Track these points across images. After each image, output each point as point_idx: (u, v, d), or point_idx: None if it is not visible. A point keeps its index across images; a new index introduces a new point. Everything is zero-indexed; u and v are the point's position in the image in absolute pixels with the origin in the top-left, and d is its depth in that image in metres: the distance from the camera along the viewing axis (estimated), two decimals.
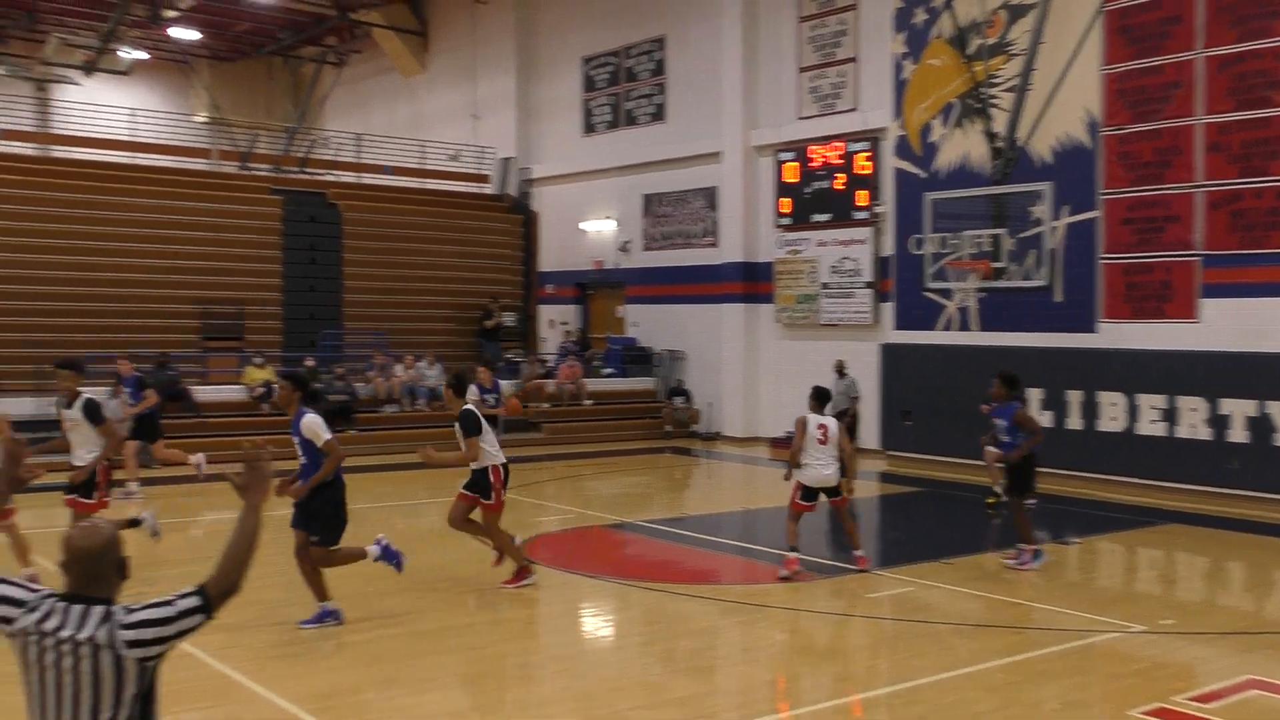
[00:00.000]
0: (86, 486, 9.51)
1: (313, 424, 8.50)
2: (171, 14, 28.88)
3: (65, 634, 3.15)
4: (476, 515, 9.90)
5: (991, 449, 13.14)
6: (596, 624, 9.69)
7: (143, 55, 31.75)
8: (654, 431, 23.56)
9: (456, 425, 9.69)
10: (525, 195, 28.30)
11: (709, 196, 24.15)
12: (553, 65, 28.18)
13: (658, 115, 25.48)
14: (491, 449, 9.79)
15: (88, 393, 9.76)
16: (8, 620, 3.24)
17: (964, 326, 19.29)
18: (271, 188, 25.27)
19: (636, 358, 25.27)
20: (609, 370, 25.11)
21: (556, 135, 28.14)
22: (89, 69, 27.50)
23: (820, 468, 10.64)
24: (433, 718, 6.74)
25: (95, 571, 3.27)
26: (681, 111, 24.86)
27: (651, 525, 13.75)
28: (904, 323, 20.34)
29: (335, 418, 19.86)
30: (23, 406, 18.11)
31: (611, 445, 22.01)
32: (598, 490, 18.01)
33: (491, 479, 9.74)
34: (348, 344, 23.83)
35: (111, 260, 22.00)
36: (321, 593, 8.66)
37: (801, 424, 10.73)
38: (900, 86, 20.33)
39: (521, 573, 10.03)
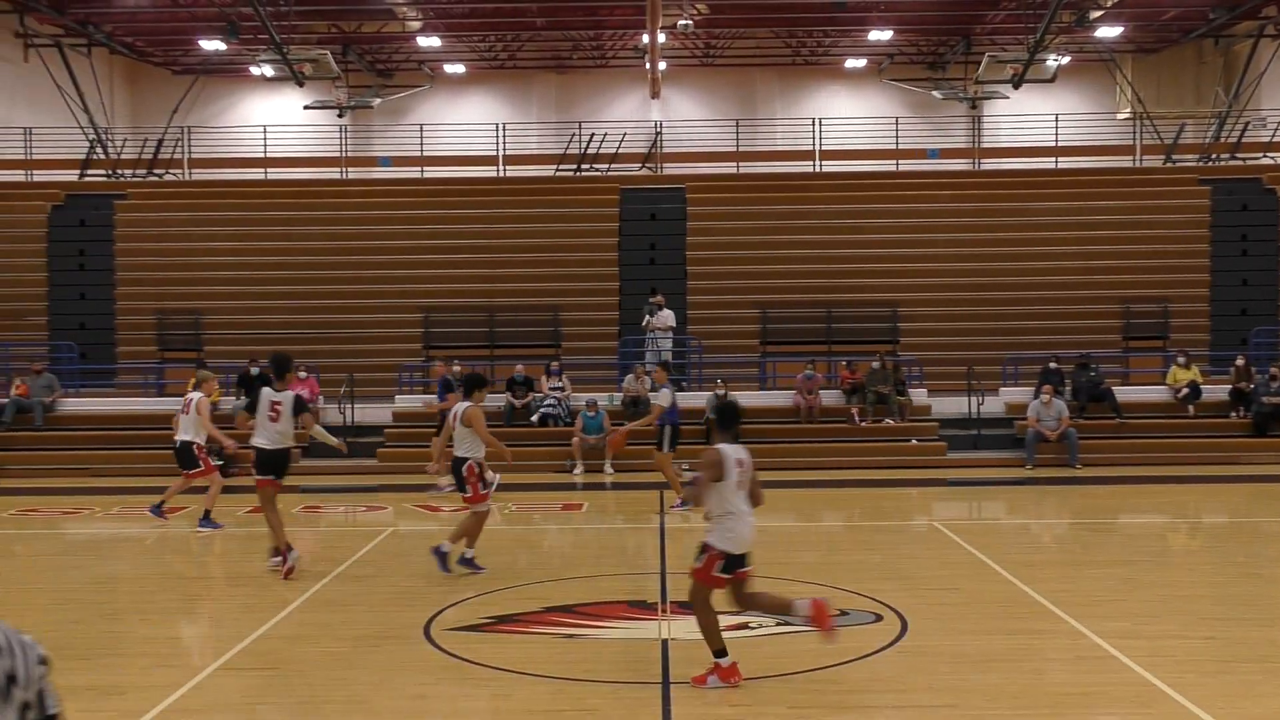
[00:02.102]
0: None
1: None
2: (1096, 14, 29.03)
3: None
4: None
5: None
6: None
7: (1065, 60, 32.34)
8: None
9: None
10: None
11: None
12: None
13: None
14: (258, 432, 10.29)
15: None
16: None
17: None
18: (1199, 178, 24.29)
19: None
20: None
21: None
22: (1017, 81, 28.80)
23: (750, 519, 6.92)
24: None
25: None
26: None
27: None
28: None
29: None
30: (957, 405, 19.54)
31: None
32: None
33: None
34: None
35: (1032, 265, 22.77)
36: None
37: (719, 459, 6.85)
38: None
39: (278, 552, 10.25)
